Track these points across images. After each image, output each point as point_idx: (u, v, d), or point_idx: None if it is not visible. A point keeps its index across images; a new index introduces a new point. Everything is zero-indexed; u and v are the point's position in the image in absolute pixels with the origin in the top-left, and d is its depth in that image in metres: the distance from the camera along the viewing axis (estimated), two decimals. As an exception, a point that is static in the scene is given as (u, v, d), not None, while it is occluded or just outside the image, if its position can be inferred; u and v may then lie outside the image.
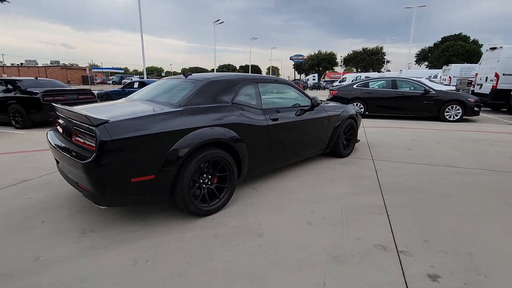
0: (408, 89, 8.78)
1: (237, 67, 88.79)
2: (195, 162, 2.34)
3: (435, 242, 2.17)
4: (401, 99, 8.68)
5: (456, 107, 8.24)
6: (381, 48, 62.89)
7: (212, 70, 42.88)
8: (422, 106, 8.50)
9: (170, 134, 2.21)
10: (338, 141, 4.23)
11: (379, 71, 50.92)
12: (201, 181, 2.52)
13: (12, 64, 65.29)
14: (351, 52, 66.35)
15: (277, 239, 2.21)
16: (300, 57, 64.18)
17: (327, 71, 65.12)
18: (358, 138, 5.08)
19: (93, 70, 62.86)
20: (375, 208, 2.73)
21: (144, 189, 2.17)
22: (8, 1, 12.47)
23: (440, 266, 1.89)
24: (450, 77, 16.42)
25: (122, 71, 70.27)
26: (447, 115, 8.34)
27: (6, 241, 2.16)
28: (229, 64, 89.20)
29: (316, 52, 68.54)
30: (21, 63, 67.33)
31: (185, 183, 2.30)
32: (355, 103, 9.07)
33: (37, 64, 67.48)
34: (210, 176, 2.58)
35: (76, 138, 2.24)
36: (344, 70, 65.05)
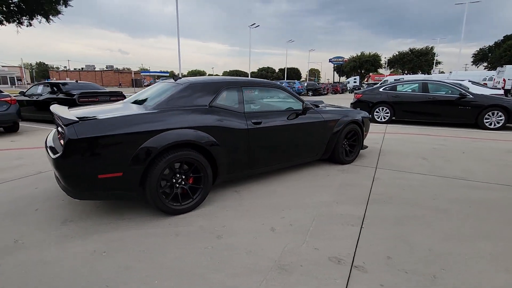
0: (444, 93, 8.04)
1: (277, 70, 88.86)
2: (164, 162, 2.45)
3: (399, 260, 2.00)
4: (432, 104, 7.98)
5: (498, 113, 7.35)
6: (431, 48, 58.18)
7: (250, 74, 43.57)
8: (457, 111, 7.72)
9: (137, 134, 2.35)
10: (338, 147, 4.06)
11: (429, 73, 47.12)
12: (174, 180, 2.63)
13: (74, 69, 73.58)
14: (397, 53, 62.44)
15: (233, 242, 2.22)
16: (340, 59, 62.40)
17: (371, 73, 62.14)
18: (366, 144, 4.83)
19: (142, 74, 67.75)
20: (351, 219, 2.59)
21: (112, 185, 2.33)
22: (71, 6, 14.09)
23: (391, 286, 1.74)
24: (504, 80, 14.64)
25: (167, 75, 74.57)
26: (486, 122, 7.47)
27: None
28: (268, 67, 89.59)
29: (359, 54, 65.79)
30: (82, 68, 75.46)
31: (154, 182, 2.43)
32: (380, 108, 8.57)
33: (94, 68, 74.90)
34: (183, 176, 2.67)
35: (60, 137, 2.49)
36: (391, 72, 61.38)
